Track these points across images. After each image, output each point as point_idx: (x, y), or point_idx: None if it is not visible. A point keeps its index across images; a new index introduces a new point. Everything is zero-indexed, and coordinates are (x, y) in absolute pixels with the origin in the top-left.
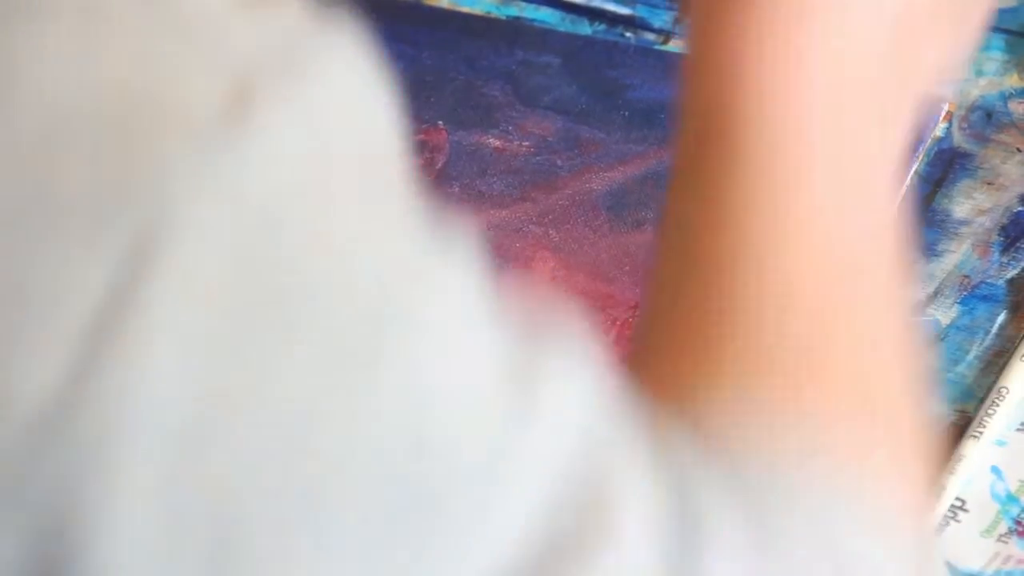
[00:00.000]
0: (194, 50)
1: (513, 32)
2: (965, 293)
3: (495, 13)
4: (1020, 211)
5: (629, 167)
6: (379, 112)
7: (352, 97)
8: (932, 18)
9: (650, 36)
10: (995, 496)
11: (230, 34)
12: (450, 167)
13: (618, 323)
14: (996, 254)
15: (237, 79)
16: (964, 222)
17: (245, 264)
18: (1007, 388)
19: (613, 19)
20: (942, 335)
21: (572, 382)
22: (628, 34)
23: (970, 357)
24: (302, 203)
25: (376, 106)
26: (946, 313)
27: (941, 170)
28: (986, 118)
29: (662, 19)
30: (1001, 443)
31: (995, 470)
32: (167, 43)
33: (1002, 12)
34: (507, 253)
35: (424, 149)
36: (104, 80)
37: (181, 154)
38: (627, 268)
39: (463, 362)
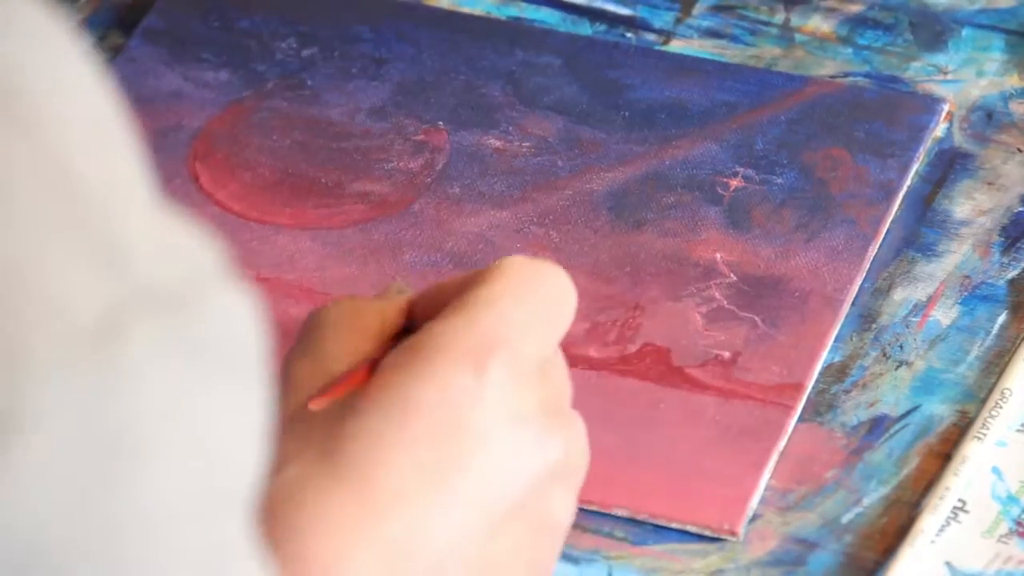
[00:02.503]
0: (92, 250)
1: (513, 32)
2: (966, 293)
3: (495, 13)
4: (1021, 211)
5: (630, 167)
6: (250, 384)
7: (225, 360)
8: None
9: (651, 36)
10: (996, 497)
11: (135, 250)
12: (450, 168)
13: (618, 323)
14: (997, 254)
15: (122, 296)
16: (964, 222)
17: (78, 491)
18: (1009, 390)
19: (614, 19)
20: (942, 336)
21: None
22: (629, 34)
23: (971, 358)
24: (152, 445)
25: (247, 375)
26: (946, 314)
27: (941, 170)
28: (987, 118)
29: (663, 19)
30: (1001, 444)
31: (995, 471)
32: (68, 232)
33: (1002, 12)
34: (507, 254)
35: (424, 149)
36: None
37: (47, 354)
38: (628, 268)
39: None
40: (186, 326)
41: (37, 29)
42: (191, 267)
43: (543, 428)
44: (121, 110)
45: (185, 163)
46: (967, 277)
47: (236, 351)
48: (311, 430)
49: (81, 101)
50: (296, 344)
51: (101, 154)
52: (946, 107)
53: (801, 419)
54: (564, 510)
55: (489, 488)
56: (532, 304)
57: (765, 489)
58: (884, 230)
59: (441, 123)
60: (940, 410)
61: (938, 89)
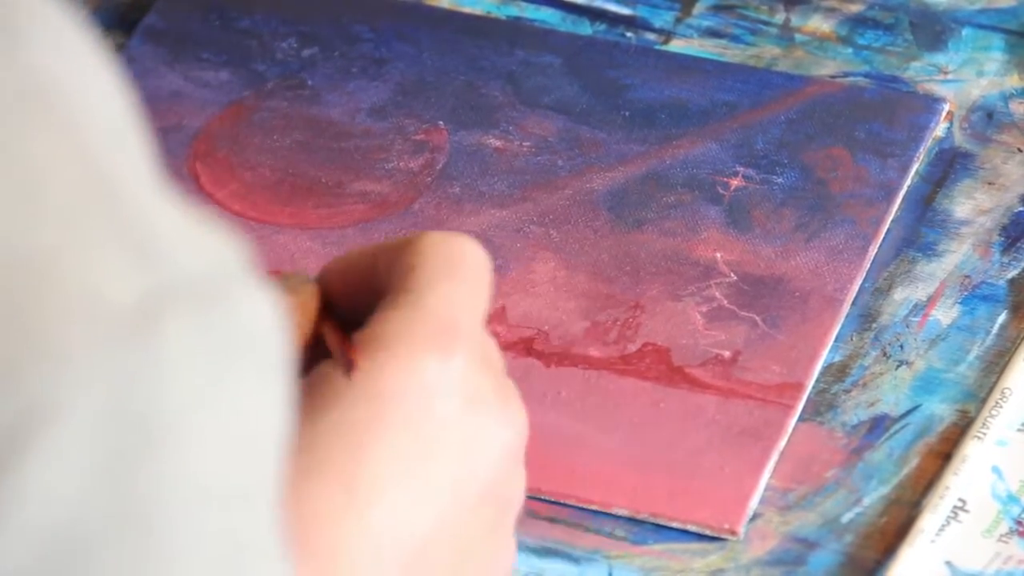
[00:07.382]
0: (125, 241)
1: (514, 32)
2: (966, 293)
3: (496, 13)
4: (1021, 211)
5: (630, 167)
6: (271, 386)
7: (250, 359)
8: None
9: (651, 36)
10: (996, 496)
11: (165, 243)
12: (451, 167)
13: (618, 323)
14: (997, 254)
15: (155, 287)
16: (965, 222)
17: (110, 475)
18: (1010, 389)
19: (614, 19)
20: (943, 335)
21: None
22: (629, 34)
23: (971, 357)
24: (183, 434)
25: (269, 378)
26: (947, 313)
27: (942, 170)
28: (987, 118)
29: (663, 19)
30: (1002, 443)
31: (996, 470)
32: (100, 223)
33: (1002, 12)
34: (508, 253)
35: (425, 149)
36: (25, 244)
37: (80, 341)
38: (628, 268)
39: None
40: (217, 320)
41: (58, 31)
42: (218, 263)
43: (501, 407)
44: (135, 110)
45: (185, 163)
46: (967, 277)
47: (261, 348)
48: None
49: (104, 100)
50: None
51: (125, 151)
52: (946, 107)
53: (801, 419)
54: (521, 486)
55: (463, 473)
56: (467, 282)
57: (765, 489)
58: (884, 230)
59: (441, 123)
60: (940, 410)
61: (938, 89)
